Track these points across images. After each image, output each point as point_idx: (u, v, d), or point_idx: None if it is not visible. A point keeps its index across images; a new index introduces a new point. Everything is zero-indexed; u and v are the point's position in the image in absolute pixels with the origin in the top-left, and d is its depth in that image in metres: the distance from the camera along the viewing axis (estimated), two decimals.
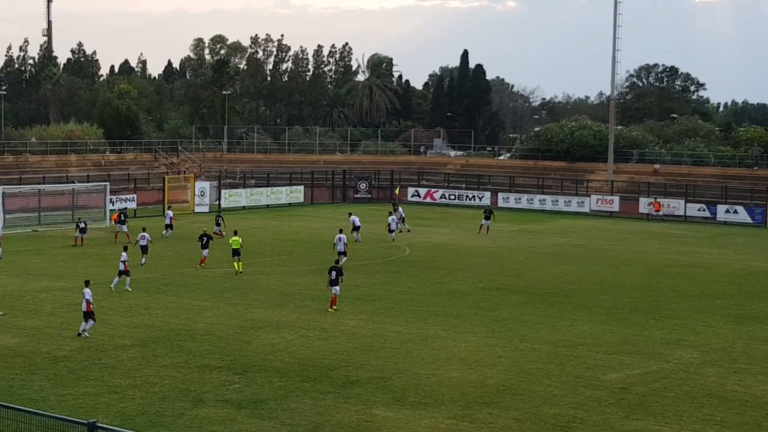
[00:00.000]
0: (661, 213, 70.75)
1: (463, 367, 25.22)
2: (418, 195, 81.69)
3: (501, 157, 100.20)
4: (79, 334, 27.76)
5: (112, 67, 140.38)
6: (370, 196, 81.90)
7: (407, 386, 23.25)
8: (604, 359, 26.56)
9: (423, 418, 20.83)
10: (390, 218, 54.22)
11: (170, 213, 55.80)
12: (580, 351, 27.44)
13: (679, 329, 30.99)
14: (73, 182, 67.69)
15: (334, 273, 33.23)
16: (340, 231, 45.27)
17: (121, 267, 35.49)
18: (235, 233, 42.27)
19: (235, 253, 40.84)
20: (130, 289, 35.19)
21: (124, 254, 35.95)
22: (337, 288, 33.16)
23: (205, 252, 42.62)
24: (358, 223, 51.97)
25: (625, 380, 24.39)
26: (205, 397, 21.78)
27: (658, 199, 72.08)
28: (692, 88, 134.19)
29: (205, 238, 42.99)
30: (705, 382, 24.36)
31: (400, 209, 59.85)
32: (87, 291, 28.01)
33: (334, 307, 32.86)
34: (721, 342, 29.20)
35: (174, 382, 22.97)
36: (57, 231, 55.18)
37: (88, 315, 27.87)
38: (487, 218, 57.94)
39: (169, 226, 53.80)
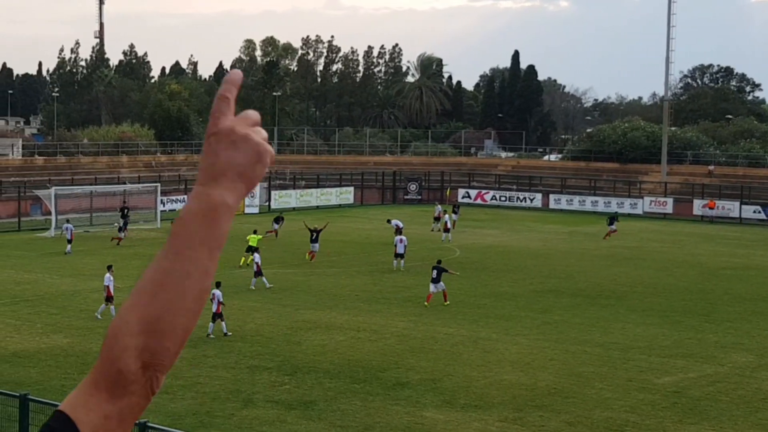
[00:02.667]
0: (713, 211, 69.79)
1: (514, 370, 25.05)
2: (469, 196, 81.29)
3: (547, 158, 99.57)
4: (207, 334, 27.97)
5: (163, 68, 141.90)
6: (420, 197, 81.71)
7: (457, 388, 23.13)
8: (657, 362, 26.23)
9: (473, 421, 20.69)
10: (445, 217, 54.32)
11: None
12: (633, 354, 27.12)
13: (734, 332, 30.51)
14: (125, 183, 68.42)
15: (435, 272, 34.15)
16: (399, 232, 45.41)
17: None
18: (255, 232, 43.26)
19: (249, 249, 41.51)
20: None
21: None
22: (440, 285, 33.97)
23: (315, 246, 44.32)
24: (401, 226, 52.01)
25: (679, 384, 24.07)
26: (255, 398, 21.84)
27: (713, 199, 71.15)
28: (748, 88, 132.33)
29: (314, 234, 44.47)
30: (760, 386, 23.98)
31: (440, 207, 59.86)
32: (217, 292, 28.34)
33: (446, 303, 33.82)
34: None
35: (224, 383, 23.07)
36: (108, 232, 55.71)
37: (217, 315, 28.16)
38: (611, 223, 56.83)
39: None
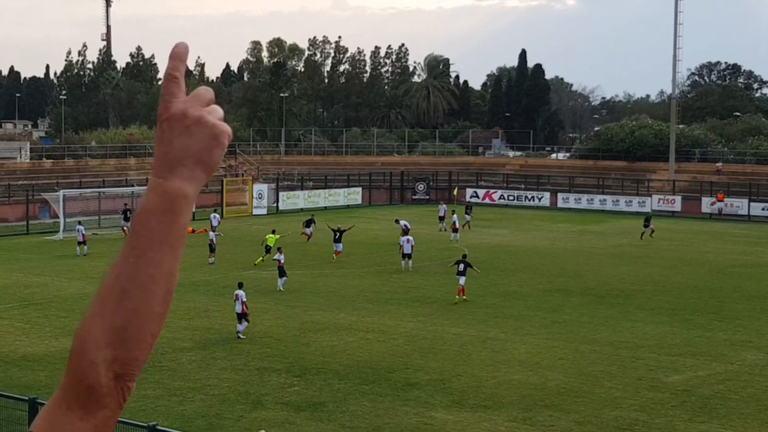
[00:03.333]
0: (722, 203, 69.63)
1: (523, 370, 25.03)
2: (477, 196, 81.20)
3: (554, 157, 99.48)
4: (237, 335, 28.06)
5: None
6: (428, 197, 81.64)
7: (467, 389, 23.12)
8: (666, 361, 26.19)
9: (482, 421, 20.68)
10: (453, 216, 54.36)
11: (216, 216, 56.56)
12: (642, 353, 27.08)
13: (743, 330, 30.44)
14: (133, 185, 68.47)
15: (461, 265, 35.00)
16: (405, 232, 45.53)
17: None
18: (273, 232, 44.14)
19: (267, 249, 42.33)
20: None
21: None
22: (463, 279, 34.72)
23: (338, 246, 45.21)
24: (409, 227, 52.04)
25: (688, 382, 24.03)
26: (264, 400, 21.86)
27: (722, 192, 71.05)
28: (755, 85, 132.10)
29: (338, 233, 45.44)
30: None
31: (444, 207, 60.06)
32: (241, 292, 28.47)
33: (463, 297, 34.57)
34: None
35: (233, 385, 23.09)
36: (117, 234, 55.80)
37: (242, 316, 28.25)
38: (647, 225, 56.16)
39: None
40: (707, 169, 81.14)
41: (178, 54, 1.69)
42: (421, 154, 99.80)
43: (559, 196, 78.44)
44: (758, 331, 30.29)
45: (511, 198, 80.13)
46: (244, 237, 54.16)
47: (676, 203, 73.62)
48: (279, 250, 38.35)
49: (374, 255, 46.84)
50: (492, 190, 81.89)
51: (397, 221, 52.51)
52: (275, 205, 71.79)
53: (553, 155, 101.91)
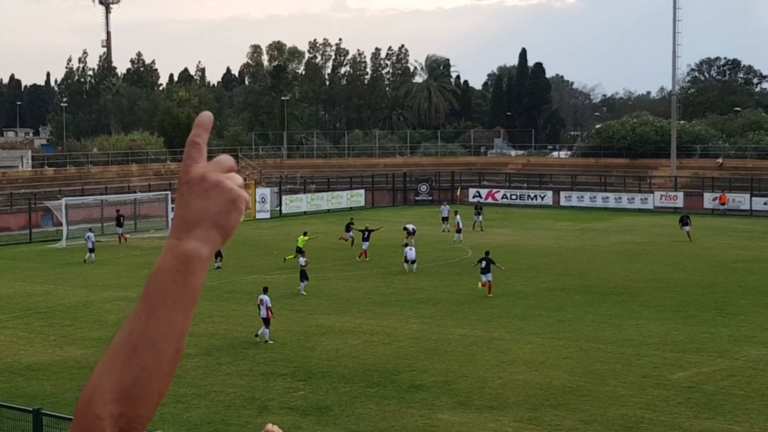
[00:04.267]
0: (725, 206, 69.69)
1: (528, 369, 25.07)
2: (480, 196, 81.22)
3: (556, 155, 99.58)
4: (265, 341, 28.31)
5: (171, 75, 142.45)
6: (431, 198, 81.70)
7: (472, 390, 23.17)
8: (671, 358, 26.22)
9: (488, 422, 20.73)
10: (457, 217, 54.46)
11: None
12: (647, 350, 27.12)
13: (747, 326, 30.48)
14: (135, 192, 68.60)
15: (484, 263, 36.16)
16: (411, 235, 46.05)
17: None
18: (305, 234, 45.20)
19: (298, 250, 42.91)
20: None
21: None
22: (489, 275, 36.02)
23: (365, 245, 46.20)
24: (411, 229, 52.17)
25: (693, 379, 24.06)
26: (269, 405, 21.92)
27: (724, 193, 71.02)
28: (755, 80, 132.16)
29: (366, 233, 46.61)
30: None
31: (447, 207, 60.13)
32: (266, 297, 28.66)
33: (488, 294, 35.82)
34: None
35: (239, 390, 23.15)
36: (116, 241, 55.84)
37: (267, 321, 28.45)
38: (686, 224, 54.45)
39: None
40: (708, 165, 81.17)
41: (203, 123, 1.74)
42: (423, 154, 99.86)
43: (562, 194, 78.50)
44: (761, 326, 30.32)
45: (513, 197, 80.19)
46: (248, 241, 54.17)
47: (678, 199, 73.64)
48: (302, 253, 38.38)
49: (378, 257, 46.86)
50: (495, 190, 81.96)
51: (404, 228, 52.26)
52: (278, 208, 71.87)
53: (555, 154, 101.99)
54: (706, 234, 57.27)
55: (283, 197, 73.70)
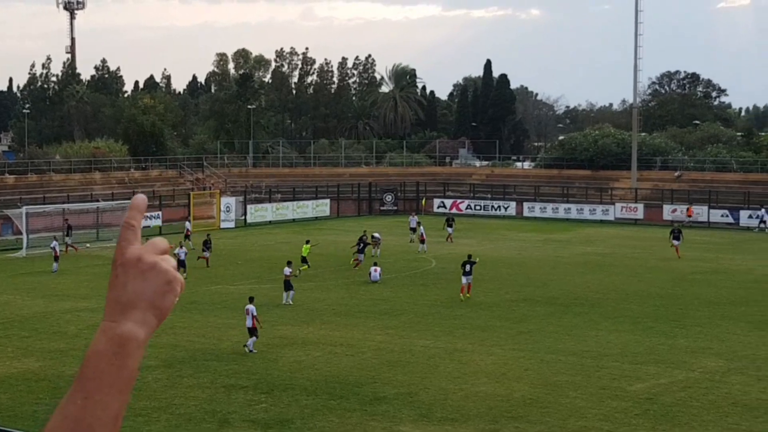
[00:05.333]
0: (692, 218, 70.63)
1: (490, 381, 25.32)
2: (444, 206, 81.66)
3: (519, 165, 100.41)
4: (249, 350, 28.45)
5: (137, 82, 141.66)
6: (396, 208, 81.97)
7: (434, 402, 23.37)
8: (629, 369, 26.59)
9: None
10: (421, 228, 54.81)
11: (188, 224, 57.06)
12: (606, 361, 27.47)
13: (704, 337, 30.97)
14: (98, 200, 68.19)
15: (468, 266, 38.16)
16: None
17: None
18: (307, 242, 46.37)
19: (304, 260, 44.29)
20: None
21: None
22: (470, 278, 38.05)
23: (361, 257, 47.13)
24: (378, 238, 52.47)
25: (651, 390, 24.42)
26: (231, 418, 21.97)
27: (691, 205, 71.90)
28: (714, 94, 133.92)
29: (361, 244, 47.65)
30: (730, 391, 24.35)
31: (416, 218, 60.33)
32: (251, 307, 28.88)
33: (467, 295, 37.79)
34: (745, 349, 29.17)
35: (200, 403, 23.17)
36: (83, 250, 55.53)
37: (252, 330, 28.59)
38: (677, 238, 52.62)
39: (186, 238, 55.07)
40: (668, 177, 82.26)
41: (137, 205, 1.78)
42: (389, 164, 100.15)
43: (525, 205, 79.10)
44: (718, 338, 30.81)
45: (477, 208, 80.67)
46: (212, 251, 54.08)
47: (639, 211, 74.52)
48: (288, 263, 38.31)
49: (343, 268, 47.02)
50: (459, 200, 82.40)
51: (372, 236, 52.37)
52: (243, 218, 71.79)
53: (519, 164, 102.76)
54: (666, 245, 57.85)
55: (248, 206, 73.62)
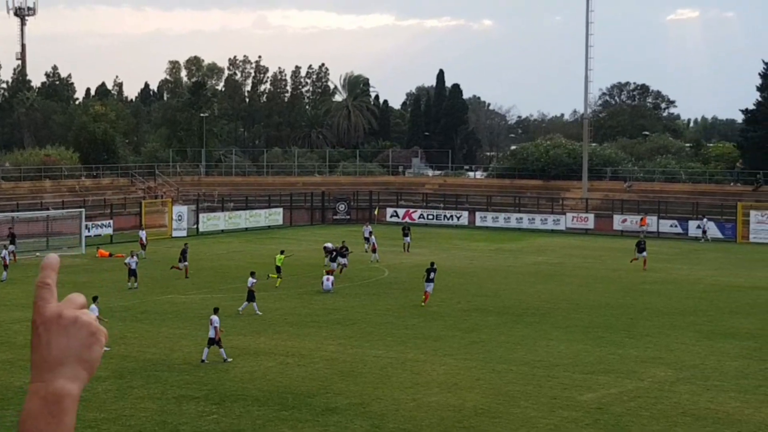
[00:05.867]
0: (646, 228, 71.41)
1: (442, 391, 25.39)
2: (397, 215, 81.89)
3: (471, 175, 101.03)
4: (224, 359, 28.45)
5: (88, 90, 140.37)
6: (349, 217, 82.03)
7: (386, 412, 23.39)
8: (580, 379, 26.81)
9: None
10: (372, 238, 54.89)
11: (143, 233, 56.64)
12: (557, 371, 27.67)
13: (654, 347, 31.32)
14: (48, 209, 67.40)
15: (432, 274, 39.26)
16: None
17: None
18: (282, 252, 45.96)
19: (278, 269, 44.17)
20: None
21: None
22: (431, 286, 39.15)
23: (344, 260, 47.80)
24: (331, 247, 52.41)
25: (601, 400, 24.64)
26: (181, 429, 21.83)
27: (645, 215, 72.69)
28: (663, 105, 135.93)
29: (334, 253, 48.01)
30: (679, 400, 24.65)
31: (369, 228, 60.20)
32: (215, 317, 28.81)
33: (422, 303, 38.82)
34: (693, 359, 29.55)
35: (150, 414, 22.99)
36: (32, 259, 54.84)
37: (214, 341, 28.58)
38: (642, 250, 52.04)
39: (142, 247, 54.75)
40: (618, 188, 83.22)
41: (50, 264, 1.77)
42: (342, 173, 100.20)
43: (477, 214, 79.53)
44: (668, 348, 31.19)
45: (430, 217, 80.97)
46: (163, 260, 53.77)
47: (589, 221, 75.25)
48: (252, 274, 38.05)
49: (295, 277, 46.89)
50: (412, 210, 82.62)
51: (324, 248, 52.25)
52: (195, 226, 71.37)
53: (471, 174, 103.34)
54: (616, 255, 58.57)
55: (201, 215, 73.21)
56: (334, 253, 48.00)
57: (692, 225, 70.83)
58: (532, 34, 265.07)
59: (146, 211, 67.57)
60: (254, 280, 37.50)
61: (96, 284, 44.77)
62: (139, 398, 24.47)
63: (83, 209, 63.98)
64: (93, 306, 29.77)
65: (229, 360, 28.52)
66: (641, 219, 72.50)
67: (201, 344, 31.11)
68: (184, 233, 68.77)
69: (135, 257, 44.31)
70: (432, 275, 39.54)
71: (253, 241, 66.36)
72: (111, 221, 67.93)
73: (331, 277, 43.21)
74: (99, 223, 66.91)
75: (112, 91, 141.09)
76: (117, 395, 24.74)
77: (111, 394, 24.79)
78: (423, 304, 38.89)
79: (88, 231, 62.62)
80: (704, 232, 69.57)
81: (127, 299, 40.17)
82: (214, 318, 28.79)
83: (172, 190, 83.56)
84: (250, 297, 37.11)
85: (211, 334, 28.64)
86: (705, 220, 70.31)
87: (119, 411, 23.27)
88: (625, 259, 56.09)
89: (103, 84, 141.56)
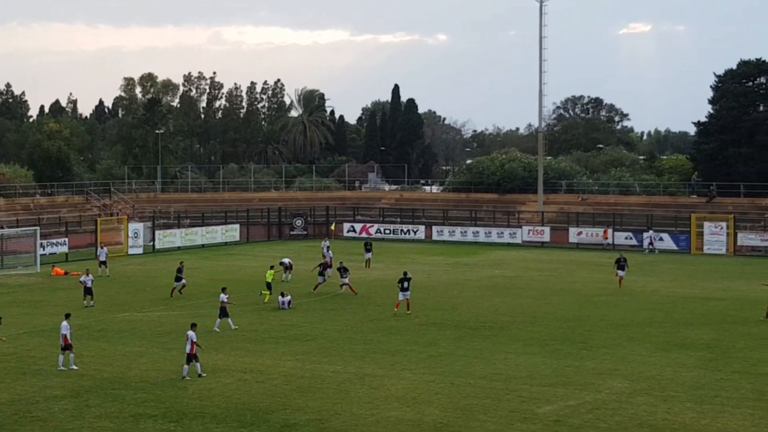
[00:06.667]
0: (608, 240, 71.99)
1: (401, 406, 25.42)
2: (354, 230, 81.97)
3: (427, 189, 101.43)
4: (199, 374, 28.47)
5: (42, 107, 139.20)
6: (306, 232, 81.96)
7: (345, 428, 23.38)
8: (538, 392, 26.97)
9: None
10: (329, 253, 54.85)
11: (104, 250, 56.12)
12: (515, 384, 27.82)
13: (610, 359, 31.59)
14: (1, 227, 66.63)
15: (406, 283, 40.72)
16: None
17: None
18: (271, 267, 46.34)
19: (268, 286, 44.42)
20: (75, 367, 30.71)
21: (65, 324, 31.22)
22: (408, 293, 40.74)
23: (321, 279, 48.12)
24: (287, 263, 52.40)
25: (559, 412, 24.79)
26: None
27: (607, 228, 73.26)
28: (617, 118, 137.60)
29: (320, 267, 49.03)
30: (636, 411, 24.87)
31: (327, 243, 60.00)
32: (191, 333, 28.64)
33: (407, 312, 40.41)
34: (650, 370, 29.84)
35: None
36: None
37: (192, 357, 28.46)
38: (622, 268, 50.34)
39: (103, 263, 54.24)
40: (573, 201, 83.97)
41: None
42: (299, 189, 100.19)
43: (434, 228, 79.84)
44: (624, 359, 31.48)
45: (387, 232, 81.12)
46: (120, 278, 53.39)
47: (545, 234, 75.82)
48: (224, 290, 37.80)
49: (253, 293, 46.72)
50: (369, 224, 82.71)
51: (281, 263, 52.31)
52: (152, 244, 70.90)
53: (427, 188, 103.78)
54: (572, 268, 59.11)
55: (157, 232, 72.74)
56: (321, 267, 48.95)
57: (647, 237, 71.53)
58: (487, 49, 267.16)
59: (102, 229, 66.97)
60: (226, 296, 37.34)
61: (52, 303, 44.36)
62: (97, 417, 24.24)
63: (38, 227, 63.30)
64: (65, 323, 29.93)
65: (204, 375, 28.52)
66: (604, 231, 73.09)
67: (157, 362, 30.99)
68: (140, 250, 68.34)
69: (90, 276, 43.92)
70: (406, 284, 40.79)
71: (210, 258, 66.06)
72: (66, 239, 67.34)
73: (288, 297, 42.87)
74: (54, 241, 66.27)
75: (67, 109, 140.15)
76: (74, 414, 24.50)
77: (68, 414, 24.54)
78: (397, 311, 40.41)
79: (43, 249, 62.00)
80: (650, 243, 70.38)
81: (83, 318, 39.73)
82: (191, 333, 28.70)
83: (127, 208, 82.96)
84: (223, 313, 36.94)
85: (188, 349, 28.53)
86: (651, 231, 71.13)
87: (76, 430, 23.05)
88: (581, 272, 56.67)
89: (57, 101, 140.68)
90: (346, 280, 46.92)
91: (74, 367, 29.54)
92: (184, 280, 46.77)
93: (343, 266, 47.62)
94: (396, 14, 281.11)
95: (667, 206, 79.95)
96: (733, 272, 56.99)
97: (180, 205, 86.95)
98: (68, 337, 29.72)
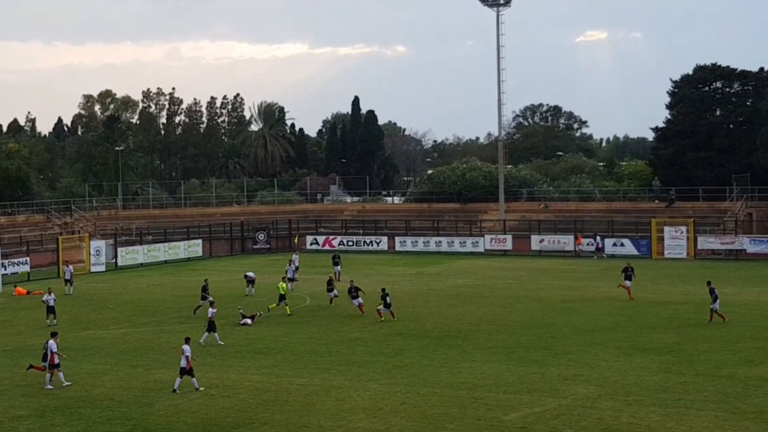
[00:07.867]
0: (581, 246, 72.41)
1: (367, 417, 25.48)
2: (317, 243, 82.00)
3: (389, 200, 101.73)
4: (196, 389, 28.49)
5: (0, 126, 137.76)
6: (269, 246, 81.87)
7: None
8: (504, 399, 27.13)
9: None
10: (292, 267, 54.88)
11: (70, 268, 55.70)
12: (481, 392, 27.97)
13: (575, 364, 31.84)
14: None
15: (388, 299, 42.34)
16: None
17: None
18: (283, 279, 47.58)
19: (281, 297, 44.99)
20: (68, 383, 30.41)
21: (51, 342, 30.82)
22: (390, 308, 42.33)
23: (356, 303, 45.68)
24: (252, 276, 52.37)
25: (525, 419, 24.96)
26: None
27: (580, 235, 73.73)
28: (575, 125, 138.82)
29: (330, 283, 48.73)
30: (602, 416, 25.08)
31: (296, 256, 60.02)
32: (186, 347, 28.69)
33: (395, 319, 41.90)
34: (614, 375, 30.12)
35: None
36: None
37: (185, 371, 28.49)
38: (629, 278, 48.85)
39: (69, 281, 53.90)
40: (535, 208, 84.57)
41: None
42: (261, 203, 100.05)
43: (397, 239, 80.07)
44: (589, 365, 31.75)
45: (350, 243, 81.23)
46: (83, 296, 53.01)
47: (507, 242, 76.25)
48: (212, 304, 37.78)
49: (216, 308, 46.45)
50: (332, 237, 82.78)
51: (245, 276, 52.46)
52: (114, 261, 70.46)
53: (389, 199, 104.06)
54: (534, 275, 59.49)
55: (119, 249, 72.29)
56: (330, 283, 48.52)
57: (608, 243, 72.17)
58: (445, 59, 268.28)
59: (63, 247, 66.49)
60: (214, 311, 37.45)
61: (14, 323, 43.98)
62: None
63: None
64: (51, 342, 29.89)
65: (201, 389, 28.55)
66: (577, 238, 73.48)
67: (122, 379, 30.82)
68: (102, 268, 67.91)
69: (53, 294, 43.61)
70: (388, 299, 42.37)
71: (173, 274, 65.77)
72: (28, 258, 66.75)
73: (249, 321, 42.22)
74: (15, 260, 65.64)
75: (25, 127, 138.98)
76: None
77: None
78: (382, 318, 42.09)
79: (5, 269, 61.43)
80: (597, 249, 71.01)
81: (46, 337, 39.38)
82: (186, 348, 28.69)
83: (89, 225, 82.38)
84: (211, 327, 36.97)
85: (183, 363, 28.51)
86: (599, 238, 71.74)
87: None
88: (544, 279, 57.04)
89: (15, 120, 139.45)
90: (357, 302, 44.53)
91: (50, 387, 29.36)
92: (211, 298, 44.67)
93: (354, 286, 45.31)
94: (354, 26, 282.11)
95: (628, 212, 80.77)
96: (694, 276, 57.63)
97: (142, 221, 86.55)
98: (56, 357, 29.66)
